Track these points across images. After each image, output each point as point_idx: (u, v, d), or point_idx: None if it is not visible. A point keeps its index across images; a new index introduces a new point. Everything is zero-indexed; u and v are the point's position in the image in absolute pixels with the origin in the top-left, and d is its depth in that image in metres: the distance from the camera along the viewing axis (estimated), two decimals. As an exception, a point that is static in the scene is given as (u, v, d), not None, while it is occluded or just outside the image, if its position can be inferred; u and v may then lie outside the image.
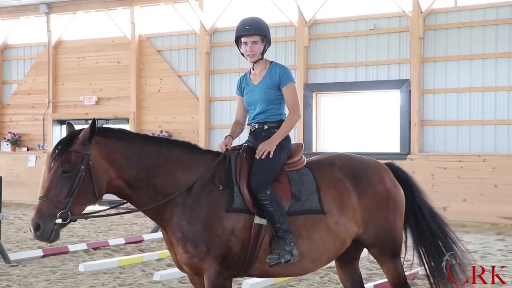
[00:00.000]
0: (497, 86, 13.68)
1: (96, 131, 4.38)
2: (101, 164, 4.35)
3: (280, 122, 4.92)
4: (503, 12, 13.72)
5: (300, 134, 15.06)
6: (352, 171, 4.95)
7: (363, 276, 8.01)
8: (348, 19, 15.13)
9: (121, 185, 4.45)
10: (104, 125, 17.77)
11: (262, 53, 4.98)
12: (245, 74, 5.15)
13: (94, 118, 4.38)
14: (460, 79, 14.03)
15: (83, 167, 4.27)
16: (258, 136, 4.94)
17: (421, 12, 14.14)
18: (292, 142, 5.00)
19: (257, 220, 4.54)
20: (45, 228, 4.19)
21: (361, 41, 14.96)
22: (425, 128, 14.30)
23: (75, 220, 4.35)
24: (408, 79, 14.38)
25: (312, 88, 15.16)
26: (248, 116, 5.14)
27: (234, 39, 5.01)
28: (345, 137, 15.27)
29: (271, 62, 5.04)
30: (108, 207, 5.05)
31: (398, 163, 5.47)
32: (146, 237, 11.07)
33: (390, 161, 5.46)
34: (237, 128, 5.14)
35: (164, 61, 17.14)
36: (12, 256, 9.02)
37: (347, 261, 5.18)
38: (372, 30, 14.81)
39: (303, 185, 4.74)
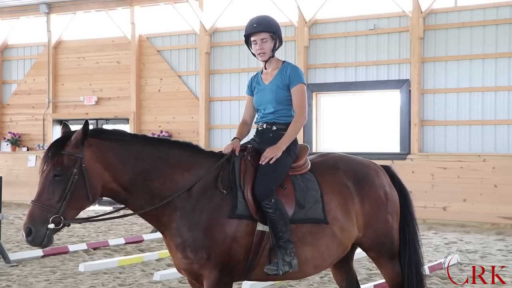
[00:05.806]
0: (497, 86, 13.67)
1: (90, 132, 4.23)
2: (95, 167, 4.20)
3: (288, 124, 4.75)
4: (503, 12, 13.71)
5: (300, 134, 15.05)
6: (356, 175, 4.85)
7: (363, 276, 8.03)
8: (348, 19, 15.13)
9: (116, 189, 4.29)
10: (104, 125, 17.61)
11: (273, 51, 4.82)
12: (256, 74, 5.01)
13: (86, 120, 4.23)
14: (460, 79, 14.02)
15: (75, 170, 4.14)
16: (264, 136, 4.79)
17: (421, 12, 14.13)
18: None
19: (260, 226, 4.40)
20: (37, 233, 4.06)
21: (361, 41, 14.96)
22: (425, 128, 14.30)
23: (69, 225, 4.23)
24: (408, 79, 14.37)
25: (312, 88, 15.14)
26: (256, 116, 4.98)
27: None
28: (345, 137, 15.26)
29: (284, 61, 4.90)
30: (106, 210, 4.98)
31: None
32: (146, 237, 11.07)
33: (389, 163, 5.43)
34: (244, 129, 4.95)
35: (164, 61, 17.13)
36: (12, 256, 9.02)
37: (341, 261, 5.04)
38: (372, 30, 14.81)
39: (308, 192, 4.60)
